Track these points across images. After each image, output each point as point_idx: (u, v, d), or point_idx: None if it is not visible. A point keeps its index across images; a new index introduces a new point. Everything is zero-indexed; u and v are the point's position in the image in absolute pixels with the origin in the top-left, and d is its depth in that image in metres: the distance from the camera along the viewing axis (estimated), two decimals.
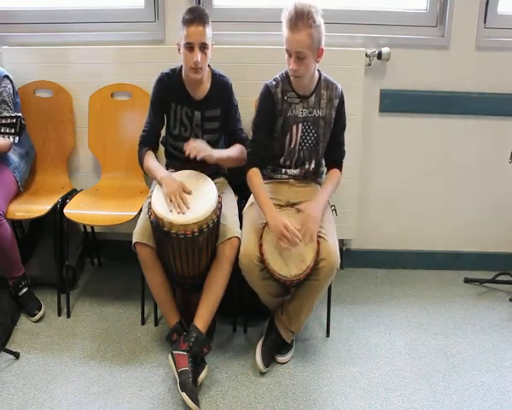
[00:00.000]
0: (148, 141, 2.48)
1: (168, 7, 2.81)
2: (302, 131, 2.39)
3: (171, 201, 2.22)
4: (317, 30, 2.16)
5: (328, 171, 2.50)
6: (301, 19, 2.12)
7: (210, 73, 2.46)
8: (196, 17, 2.27)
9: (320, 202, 2.32)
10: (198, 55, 2.28)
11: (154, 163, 2.42)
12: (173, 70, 2.44)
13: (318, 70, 2.37)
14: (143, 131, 2.49)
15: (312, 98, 2.36)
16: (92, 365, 2.37)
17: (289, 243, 2.18)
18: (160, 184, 2.32)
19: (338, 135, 2.45)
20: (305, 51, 2.16)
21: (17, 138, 2.15)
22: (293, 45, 2.16)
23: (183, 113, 2.46)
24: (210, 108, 2.46)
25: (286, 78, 2.36)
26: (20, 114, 2.15)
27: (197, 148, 2.29)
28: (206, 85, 2.45)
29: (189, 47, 2.29)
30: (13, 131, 2.13)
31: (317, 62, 2.27)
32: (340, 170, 2.49)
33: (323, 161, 2.52)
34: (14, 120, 2.13)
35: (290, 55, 2.20)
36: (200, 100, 2.45)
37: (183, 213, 2.19)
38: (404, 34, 2.83)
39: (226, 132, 2.53)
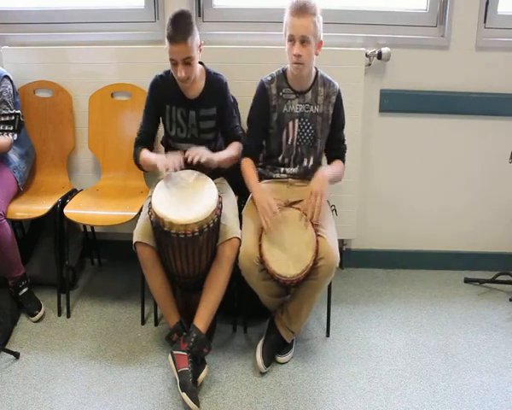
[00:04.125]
0: (142, 144, 2.48)
1: (168, 7, 2.81)
2: (299, 127, 2.40)
3: (166, 169, 2.25)
4: (318, 21, 2.24)
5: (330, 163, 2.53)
6: (307, 6, 2.20)
7: (204, 71, 2.46)
8: (177, 34, 2.22)
9: (326, 172, 2.35)
10: (182, 71, 2.28)
11: (147, 152, 2.45)
12: (167, 72, 2.44)
13: (315, 67, 2.38)
14: (138, 134, 2.51)
15: (309, 94, 2.38)
16: (92, 365, 2.37)
17: (268, 217, 2.21)
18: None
19: (338, 133, 2.47)
20: (309, 37, 2.21)
21: (16, 135, 2.14)
22: (299, 30, 2.20)
23: (178, 113, 2.46)
24: (205, 106, 2.45)
25: (282, 74, 2.39)
26: (18, 111, 2.14)
27: (199, 153, 2.29)
28: (200, 84, 2.45)
29: (173, 62, 2.30)
30: (11, 128, 2.12)
31: (317, 55, 2.30)
32: (343, 162, 2.52)
33: (323, 160, 2.53)
34: (13, 117, 2.12)
35: (293, 42, 2.22)
36: (195, 99, 2.45)
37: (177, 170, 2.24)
38: (404, 34, 2.83)
39: (222, 130, 2.53)
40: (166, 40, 2.27)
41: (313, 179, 2.32)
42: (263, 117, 2.41)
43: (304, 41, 2.21)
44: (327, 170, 2.39)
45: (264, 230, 2.23)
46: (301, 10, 2.19)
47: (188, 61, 2.28)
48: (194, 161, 2.27)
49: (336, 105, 2.41)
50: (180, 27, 2.24)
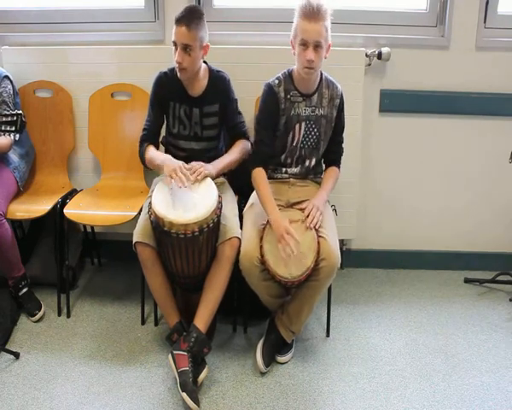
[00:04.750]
0: (149, 139, 2.49)
1: (168, 7, 2.81)
2: (305, 130, 2.40)
3: (172, 178, 2.23)
4: (329, 25, 2.22)
5: (326, 168, 2.52)
6: (320, 10, 2.17)
7: (207, 69, 2.48)
8: (183, 17, 2.29)
9: (321, 197, 2.35)
10: (179, 56, 2.31)
11: (155, 151, 2.45)
12: (171, 69, 2.45)
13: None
14: (143, 130, 2.51)
15: (315, 97, 2.37)
16: (92, 365, 2.37)
17: (287, 246, 2.17)
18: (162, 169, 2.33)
19: (337, 135, 2.47)
20: (322, 42, 2.19)
21: (18, 136, 2.15)
22: (313, 35, 2.18)
23: (181, 111, 2.47)
24: (208, 103, 2.46)
25: (288, 76, 2.37)
26: (20, 112, 2.15)
27: (198, 170, 2.30)
28: (204, 82, 2.46)
29: (174, 46, 2.33)
30: (13, 128, 2.13)
31: (325, 58, 2.28)
32: (339, 168, 2.50)
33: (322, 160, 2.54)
34: (15, 118, 2.13)
35: (306, 47, 2.20)
36: (198, 96, 2.46)
37: (185, 187, 2.21)
38: (404, 34, 2.83)
39: (227, 127, 2.54)
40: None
41: (308, 204, 2.32)
42: (273, 121, 2.37)
43: (317, 46, 2.19)
44: (324, 194, 2.38)
45: (284, 259, 2.19)
46: (314, 15, 2.16)
47: (187, 50, 2.30)
48: (193, 179, 2.27)
49: (339, 108, 2.40)
50: (188, 13, 2.31)
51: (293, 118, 2.37)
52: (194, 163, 2.35)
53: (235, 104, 2.52)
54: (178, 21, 2.29)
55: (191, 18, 2.29)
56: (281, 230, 2.19)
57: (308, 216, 2.27)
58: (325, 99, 2.38)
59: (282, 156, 2.45)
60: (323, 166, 2.55)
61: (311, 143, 2.42)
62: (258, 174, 2.35)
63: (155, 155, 2.43)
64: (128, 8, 2.92)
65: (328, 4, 2.20)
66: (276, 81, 2.37)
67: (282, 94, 2.35)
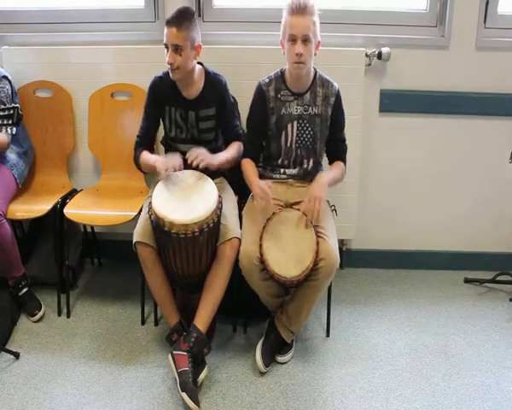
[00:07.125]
0: (142, 145, 2.50)
1: (168, 7, 2.81)
2: (298, 129, 2.40)
3: (165, 172, 2.27)
4: (317, 21, 2.25)
5: (331, 163, 2.54)
6: (307, 5, 2.21)
7: (203, 72, 2.47)
8: (173, 19, 2.30)
9: (324, 178, 2.34)
10: (170, 57, 2.31)
11: (148, 154, 2.46)
12: (166, 73, 2.44)
13: (314, 68, 2.38)
14: (137, 136, 2.52)
15: (307, 95, 2.38)
16: (92, 365, 2.37)
17: (262, 199, 2.25)
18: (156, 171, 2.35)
19: (338, 133, 2.47)
20: (310, 35, 2.22)
21: (15, 129, 2.15)
22: (301, 29, 2.21)
23: (177, 114, 2.46)
24: (204, 107, 2.46)
25: (280, 76, 2.39)
26: (17, 105, 2.15)
27: (199, 157, 2.30)
28: (199, 85, 2.46)
29: (166, 48, 2.33)
30: (10, 122, 2.14)
31: (315, 55, 2.30)
32: (345, 163, 2.51)
33: (323, 161, 2.54)
34: (12, 111, 2.13)
35: (294, 42, 2.22)
36: (194, 99, 2.45)
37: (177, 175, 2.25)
38: (404, 34, 2.83)
39: (223, 129, 2.54)
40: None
41: (312, 184, 2.32)
42: (261, 119, 2.40)
43: (306, 40, 2.22)
44: (325, 175, 2.38)
45: (258, 209, 2.27)
46: (301, 9, 2.20)
47: (177, 51, 2.30)
48: (194, 164, 2.29)
49: (335, 106, 2.40)
50: (178, 15, 2.32)
51: (284, 117, 2.38)
52: (196, 150, 2.33)
53: (233, 107, 2.53)
54: (168, 23, 2.31)
55: (181, 19, 2.30)
56: (255, 189, 2.28)
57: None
58: (319, 98, 2.38)
59: (279, 159, 2.46)
60: (323, 169, 2.54)
61: (307, 142, 2.42)
62: (246, 163, 2.45)
63: (148, 156, 2.44)
64: (128, 8, 2.92)
65: (315, 1, 2.23)
66: (267, 80, 2.39)
67: (272, 93, 2.37)
